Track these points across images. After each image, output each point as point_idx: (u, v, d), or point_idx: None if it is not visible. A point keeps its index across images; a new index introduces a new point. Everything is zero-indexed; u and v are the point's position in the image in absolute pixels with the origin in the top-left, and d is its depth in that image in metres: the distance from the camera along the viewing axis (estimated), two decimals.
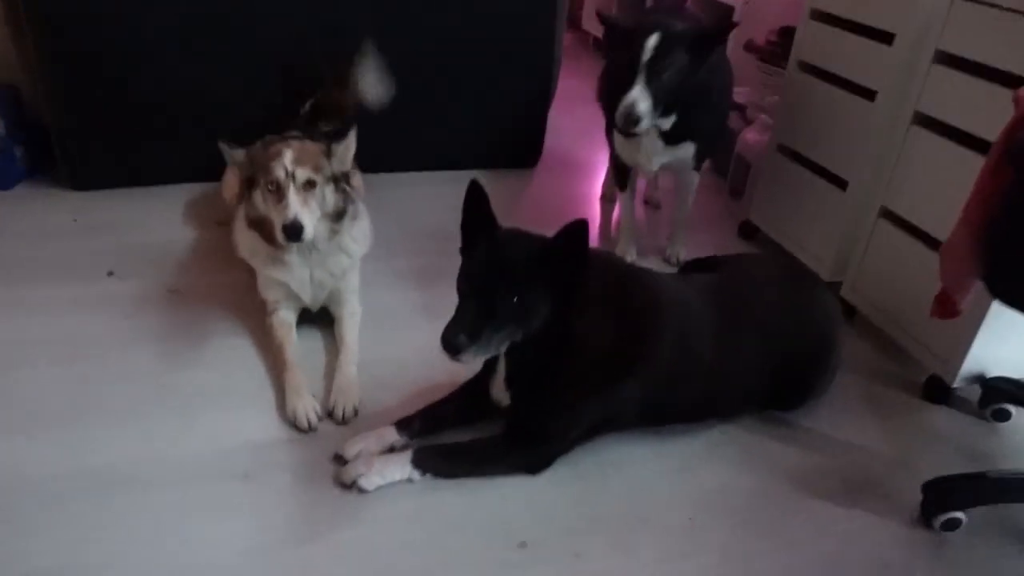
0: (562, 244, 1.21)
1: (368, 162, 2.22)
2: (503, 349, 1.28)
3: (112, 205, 2.24)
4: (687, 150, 1.96)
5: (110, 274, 1.89)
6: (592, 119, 3.39)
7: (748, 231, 2.32)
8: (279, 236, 1.51)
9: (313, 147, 1.66)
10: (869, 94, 1.79)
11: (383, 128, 2.44)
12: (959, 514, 1.31)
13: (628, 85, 1.70)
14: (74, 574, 1.14)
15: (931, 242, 1.64)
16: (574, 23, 4.73)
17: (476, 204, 1.28)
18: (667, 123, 1.84)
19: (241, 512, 1.27)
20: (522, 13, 2.50)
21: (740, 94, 2.70)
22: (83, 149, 2.26)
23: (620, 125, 1.73)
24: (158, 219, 2.19)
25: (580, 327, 1.31)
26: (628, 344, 1.36)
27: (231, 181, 2.05)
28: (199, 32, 2.19)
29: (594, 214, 2.54)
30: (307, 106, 2.24)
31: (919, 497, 1.37)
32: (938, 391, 1.66)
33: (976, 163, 1.43)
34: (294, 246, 1.57)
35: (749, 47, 2.62)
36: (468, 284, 1.24)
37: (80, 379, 1.54)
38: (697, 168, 2.07)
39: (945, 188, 1.58)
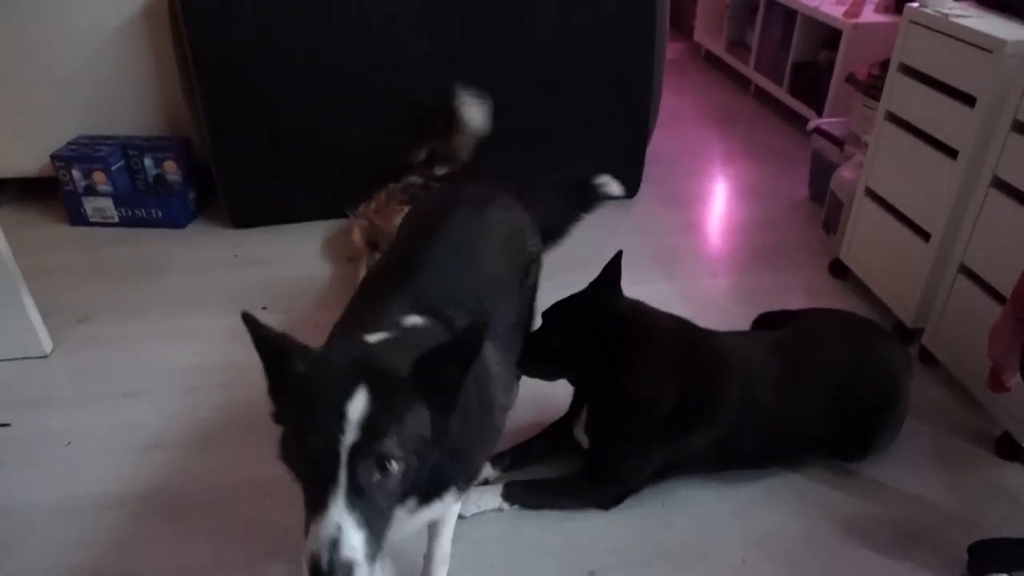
0: (609, 329, 1.50)
1: None
2: (552, 378, 1.60)
3: (265, 241, 2.63)
4: (446, 503, 1.11)
5: (264, 308, 2.26)
6: (697, 143, 3.51)
7: (839, 269, 2.39)
8: None
9: None
10: (952, 152, 1.83)
11: (480, 164, 2.69)
12: None
13: (318, 500, 0.87)
14: (233, 567, 1.48)
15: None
16: (685, 33, 4.78)
17: (609, 270, 1.52)
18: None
19: None
20: (619, 47, 2.64)
21: (837, 126, 2.73)
22: (241, 192, 2.67)
23: None
24: (302, 254, 2.56)
25: (646, 386, 1.51)
26: (694, 402, 1.54)
27: (361, 225, 2.39)
28: (335, 90, 2.52)
29: (694, 241, 2.67)
30: (424, 153, 2.54)
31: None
32: (1009, 448, 1.71)
33: None
34: None
35: (851, 80, 2.64)
36: (542, 319, 1.57)
37: (239, 403, 1.90)
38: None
39: (1021, 254, 1.62)
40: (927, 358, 1.99)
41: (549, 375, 1.60)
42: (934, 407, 1.88)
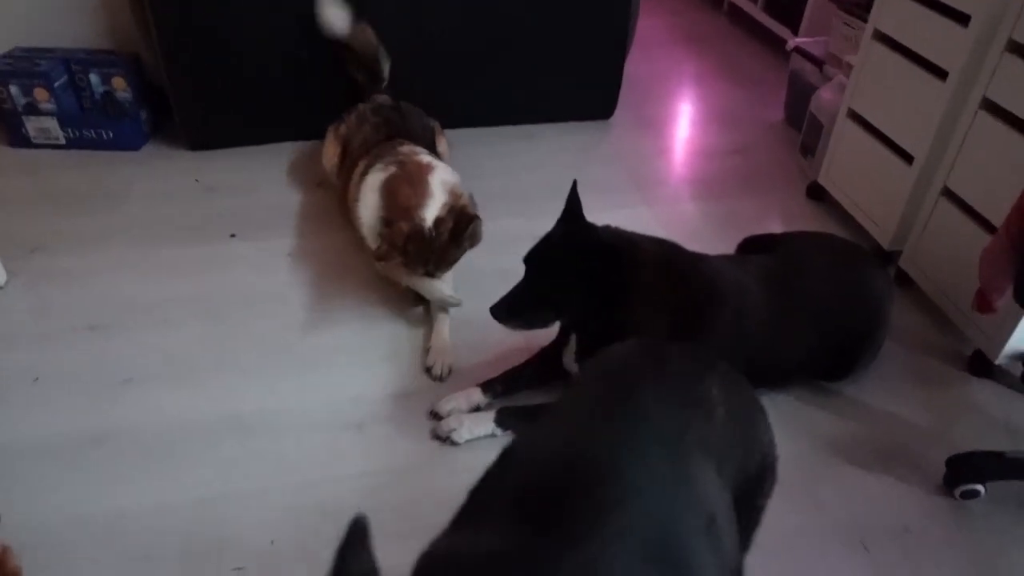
0: (599, 259, 1.43)
1: (440, 119, 2.38)
2: (549, 323, 1.57)
3: (227, 165, 2.49)
4: None
5: (232, 236, 2.16)
6: (669, 64, 3.43)
7: (816, 192, 2.39)
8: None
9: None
10: (941, 73, 1.81)
11: (454, 84, 2.57)
12: (978, 486, 1.47)
13: None
14: (222, 502, 1.45)
15: (988, 226, 1.71)
16: None
17: (571, 202, 1.48)
18: None
19: (355, 457, 1.55)
20: None
21: (816, 45, 2.68)
22: (198, 112, 2.50)
23: None
24: (268, 179, 2.44)
25: (637, 310, 1.50)
26: (684, 327, 1.53)
27: (331, 150, 2.27)
28: (298, 3, 2.33)
29: (671, 165, 2.64)
30: (360, 75, 2.41)
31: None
32: (982, 365, 1.77)
33: None
34: None
35: None
36: (525, 266, 1.50)
37: (215, 336, 1.83)
38: None
39: (1007, 177, 1.63)
40: (903, 280, 2.02)
41: (545, 322, 1.57)
42: (909, 328, 1.92)
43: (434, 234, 1.77)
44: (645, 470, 0.84)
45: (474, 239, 1.83)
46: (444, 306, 1.85)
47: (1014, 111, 1.62)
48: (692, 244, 1.66)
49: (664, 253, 1.57)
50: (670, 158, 2.72)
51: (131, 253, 2.08)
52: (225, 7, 2.32)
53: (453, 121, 2.55)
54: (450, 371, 1.73)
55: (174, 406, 1.64)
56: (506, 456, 0.93)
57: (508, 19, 2.53)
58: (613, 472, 0.83)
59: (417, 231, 1.76)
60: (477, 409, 1.62)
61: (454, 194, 1.85)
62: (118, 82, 2.50)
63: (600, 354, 1.10)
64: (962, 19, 1.73)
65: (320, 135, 2.37)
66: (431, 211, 1.80)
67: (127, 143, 2.53)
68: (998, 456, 1.47)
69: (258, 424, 1.61)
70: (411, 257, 1.77)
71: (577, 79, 2.74)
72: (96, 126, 2.50)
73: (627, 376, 0.99)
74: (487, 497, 0.88)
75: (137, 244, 2.12)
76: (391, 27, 2.40)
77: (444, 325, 1.83)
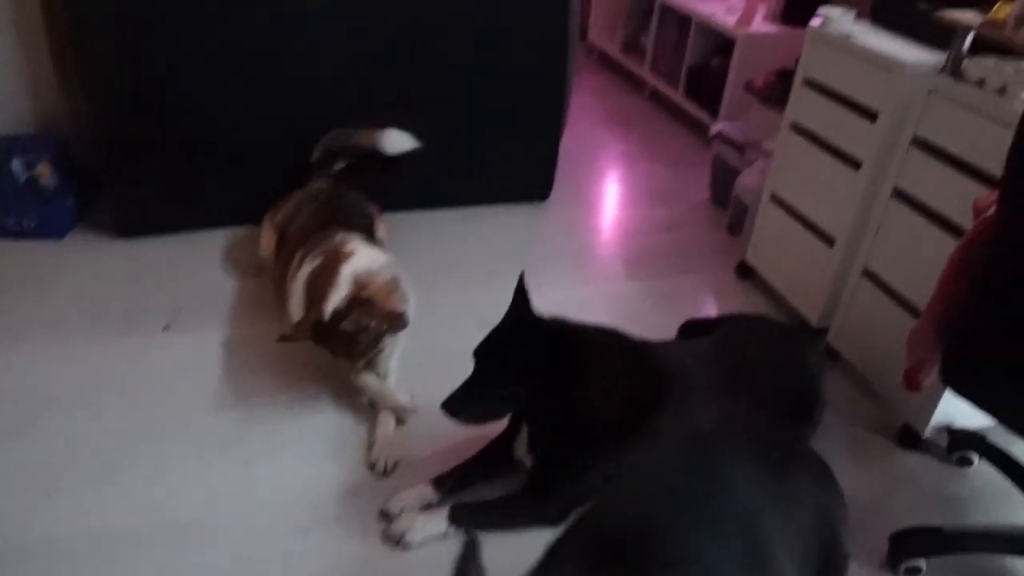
0: (549, 351, 1.47)
1: (380, 203, 2.39)
2: (502, 416, 1.59)
3: (158, 252, 2.42)
4: None
5: (166, 328, 2.08)
6: (597, 144, 3.57)
7: (744, 271, 2.50)
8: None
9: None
10: (855, 164, 1.95)
11: (393, 168, 2.59)
12: (920, 562, 1.52)
13: None
14: None
15: (908, 306, 1.82)
16: (580, 34, 4.84)
17: (518, 294, 1.52)
18: None
19: (303, 565, 1.48)
20: (533, 40, 2.59)
21: (736, 130, 2.85)
22: (131, 197, 2.44)
23: None
24: (202, 267, 2.38)
25: (588, 399, 1.52)
26: (633, 413, 1.56)
27: (267, 238, 2.24)
28: (238, 84, 2.35)
29: (606, 244, 2.72)
30: (317, 153, 2.41)
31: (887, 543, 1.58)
32: (910, 438, 1.86)
33: (947, 244, 1.62)
34: None
35: (749, 88, 2.76)
36: (475, 359, 1.51)
37: (148, 434, 1.74)
38: None
39: (920, 260, 1.76)
40: (831, 354, 2.12)
41: (498, 415, 1.58)
42: (841, 401, 2.00)
43: (331, 325, 1.75)
44: (724, 558, 0.87)
45: (359, 331, 1.76)
46: (397, 415, 1.83)
47: (923, 200, 1.76)
48: (630, 323, 1.71)
49: (611, 342, 1.60)
50: (604, 237, 2.81)
51: (56, 348, 1.98)
52: (159, 90, 2.29)
53: (394, 205, 2.56)
54: (395, 465, 1.69)
55: (106, 515, 1.54)
56: (585, 515, 0.99)
57: (446, 105, 2.59)
58: (688, 553, 0.87)
59: (317, 322, 1.75)
60: (429, 506, 1.59)
61: (359, 284, 1.80)
62: (43, 169, 2.42)
63: (689, 416, 1.19)
64: (871, 115, 1.88)
65: (255, 220, 2.34)
66: (332, 302, 1.76)
67: (52, 231, 2.44)
68: (937, 531, 1.53)
69: (198, 532, 1.53)
70: (322, 345, 1.78)
71: (514, 164, 2.81)
72: (18, 214, 2.40)
73: (716, 450, 1.01)
74: (562, 552, 0.95)
75: (63, 337, 2.02)
76: (330, 113, 2.43)
77: (389, 417, 1.80)
